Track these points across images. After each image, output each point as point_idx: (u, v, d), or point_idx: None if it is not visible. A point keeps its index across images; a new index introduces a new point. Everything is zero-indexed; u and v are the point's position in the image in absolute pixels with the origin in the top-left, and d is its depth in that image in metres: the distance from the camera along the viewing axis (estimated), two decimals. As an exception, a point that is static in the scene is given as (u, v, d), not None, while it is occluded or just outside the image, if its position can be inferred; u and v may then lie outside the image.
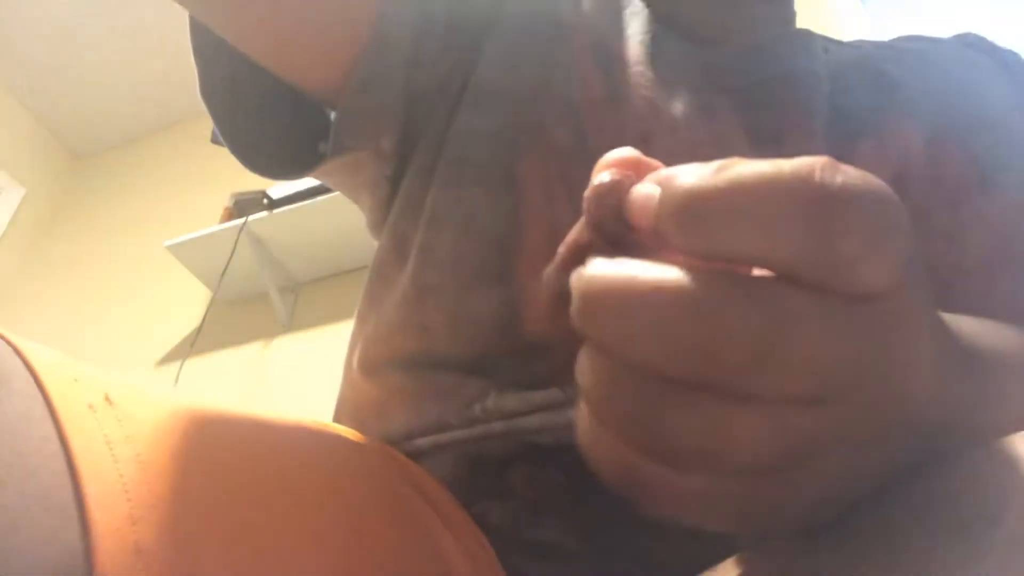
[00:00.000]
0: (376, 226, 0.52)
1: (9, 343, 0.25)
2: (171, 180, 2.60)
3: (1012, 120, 0.46)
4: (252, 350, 2.06)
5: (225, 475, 0.28)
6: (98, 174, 2.81)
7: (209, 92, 0.46)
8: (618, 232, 0.20)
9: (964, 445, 0.22)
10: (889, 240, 0.17)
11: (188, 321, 2.15)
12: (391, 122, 0.46)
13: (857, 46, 0.51)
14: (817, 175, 0.17)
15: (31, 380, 0.24)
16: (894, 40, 0.53)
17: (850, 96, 0.45)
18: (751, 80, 0.45)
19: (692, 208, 0.17)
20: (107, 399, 0.26)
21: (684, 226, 0.17)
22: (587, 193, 0.21)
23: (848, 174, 0.17)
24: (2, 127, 2.61)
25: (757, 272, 0.18)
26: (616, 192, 0.20)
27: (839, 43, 0.51)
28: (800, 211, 0.17)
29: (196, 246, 2.04)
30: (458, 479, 0.40)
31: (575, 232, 0.22)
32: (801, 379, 0.17)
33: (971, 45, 0.52)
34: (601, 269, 0.18)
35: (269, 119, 0.48)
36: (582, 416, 0.21)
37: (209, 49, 0.46)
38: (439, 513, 0.37)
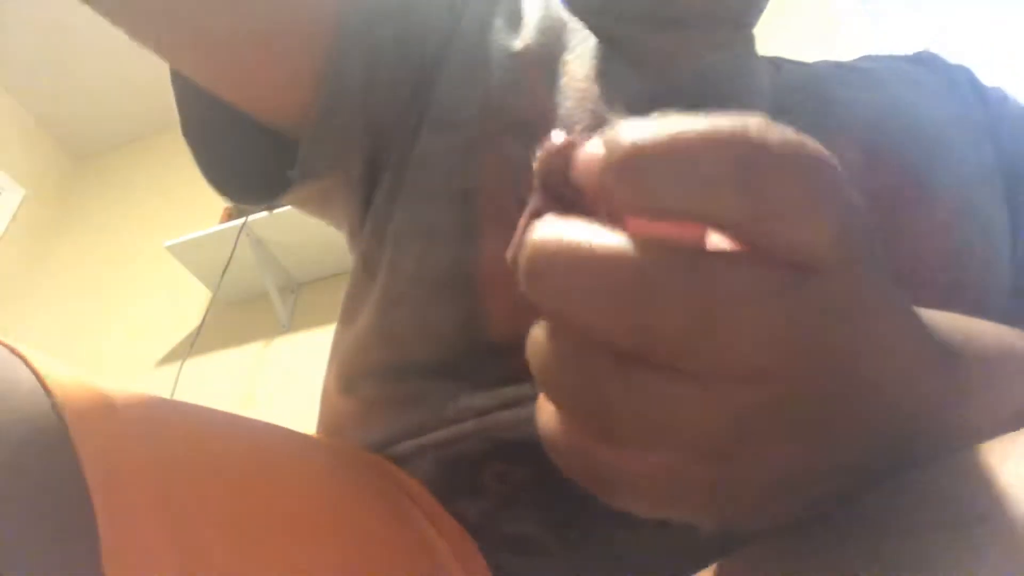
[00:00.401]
0: (353, 251, 0.54)
1: (15, 352, 0.27)
2: (171, 180, 2.60)
3: (949, 133, 0.48)
4: (252, 350, 2.06)
5: (227, 473, 0.30)
6: (98, 174, 2.81)
7: (187, 130, 0.50)
8: (567, 195, 0.20)
9: (947, 446, 0.22)
10: (826, 200, 0.17)
11: (188, 321, 2.15)
12: (355, 148, 0.48)
13: (810, 66, 0.53)
14: (753, 130, 0.17)
15: (39, 386, 0.25)
16: (852, 60, 0.55)
17: (789, 114, 0.46)
18: (692, 104, 0.47)
19: (633, 161, 0.17)
20: (111, 404, 0.27)
21: (625, 180, 0.18)
22: (537, 155, 0.20)
23: (785, 132, 0.17)
24: (2, 127, 2.62)
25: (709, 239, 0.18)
26: (565, 152, 0.20)
27: (795, 64, 0.53)
28: (736, 163, 0.17)
29: (196, 246, 2.04)
30: (436, 480, 0.41)
31: (531, 202, 0.21)
32: (741, 354, 0.17)
33: (922, 63, 0.54)
34: (547, 229, 0.18)
35: (243, 151, 0.51)
36: (540, 402, 0.21)
37: (183, 88, 0.49)
38: (423, 510, 0.39)
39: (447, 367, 0.43)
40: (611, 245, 0.17)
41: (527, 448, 0.39)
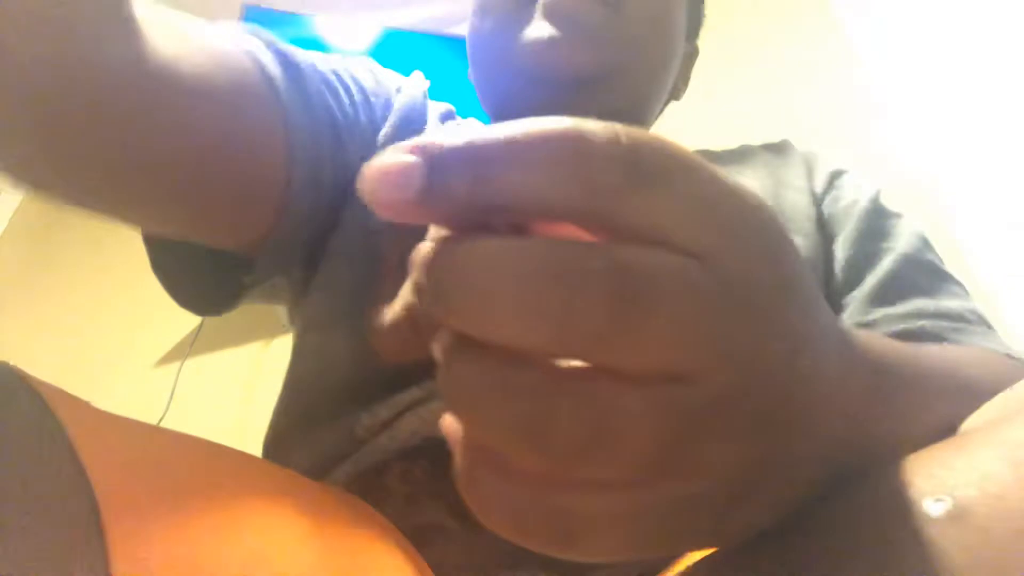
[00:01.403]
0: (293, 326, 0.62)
1: (13, 370, 0.28)
2: (171, 180, 2.60)
3: (758, 186, 0.60)
4: (252, 350, 2.06)
5: (222, 480, 0.33)
6: (98, 174, 2.81)
7: (147, 241, 0.55)
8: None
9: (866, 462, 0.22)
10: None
11: (188, 321, 2.15)
12: (295, 260, 0.58)
13: None
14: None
15: (41, 402, 0.27)
16: (721, 150, 0.69)
17: None
18: None
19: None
20: (106, 418, 0.30)
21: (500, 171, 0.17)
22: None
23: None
24: (2, 127, 2.61)
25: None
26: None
27: None
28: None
29: (196, 246, 2.04)
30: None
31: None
32: (667, 349, 0.16)
33: (771, 148, 0.67)
34: (449, 243, 0.17)
35: (193, 266, 0.57)
36: (464, 468, 0.19)
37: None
38: (382, 525, 0.42)
39: (349, 394, 0.48)
40: (518, 243, 0.16)
41: (422, 448, 0.43)
